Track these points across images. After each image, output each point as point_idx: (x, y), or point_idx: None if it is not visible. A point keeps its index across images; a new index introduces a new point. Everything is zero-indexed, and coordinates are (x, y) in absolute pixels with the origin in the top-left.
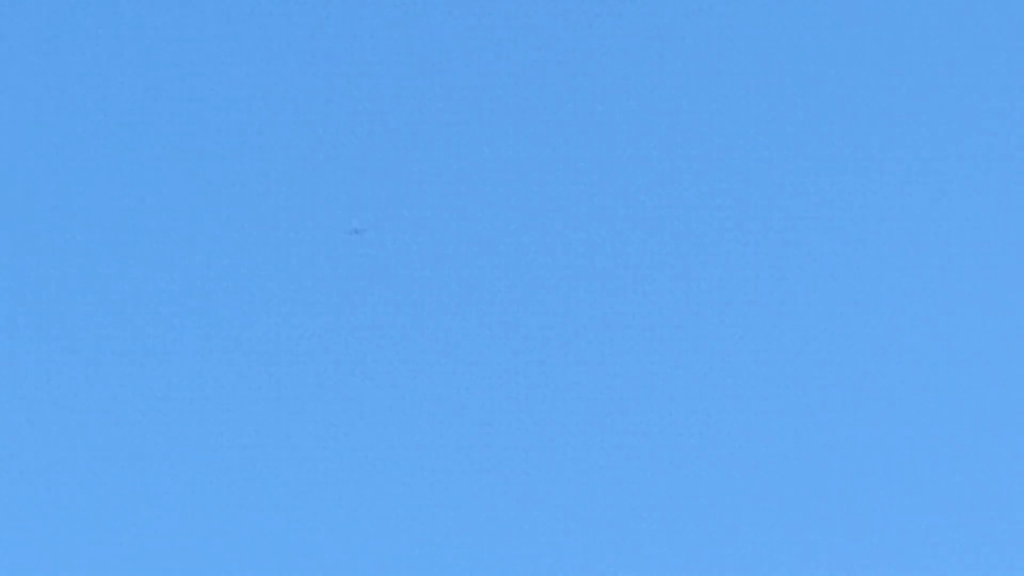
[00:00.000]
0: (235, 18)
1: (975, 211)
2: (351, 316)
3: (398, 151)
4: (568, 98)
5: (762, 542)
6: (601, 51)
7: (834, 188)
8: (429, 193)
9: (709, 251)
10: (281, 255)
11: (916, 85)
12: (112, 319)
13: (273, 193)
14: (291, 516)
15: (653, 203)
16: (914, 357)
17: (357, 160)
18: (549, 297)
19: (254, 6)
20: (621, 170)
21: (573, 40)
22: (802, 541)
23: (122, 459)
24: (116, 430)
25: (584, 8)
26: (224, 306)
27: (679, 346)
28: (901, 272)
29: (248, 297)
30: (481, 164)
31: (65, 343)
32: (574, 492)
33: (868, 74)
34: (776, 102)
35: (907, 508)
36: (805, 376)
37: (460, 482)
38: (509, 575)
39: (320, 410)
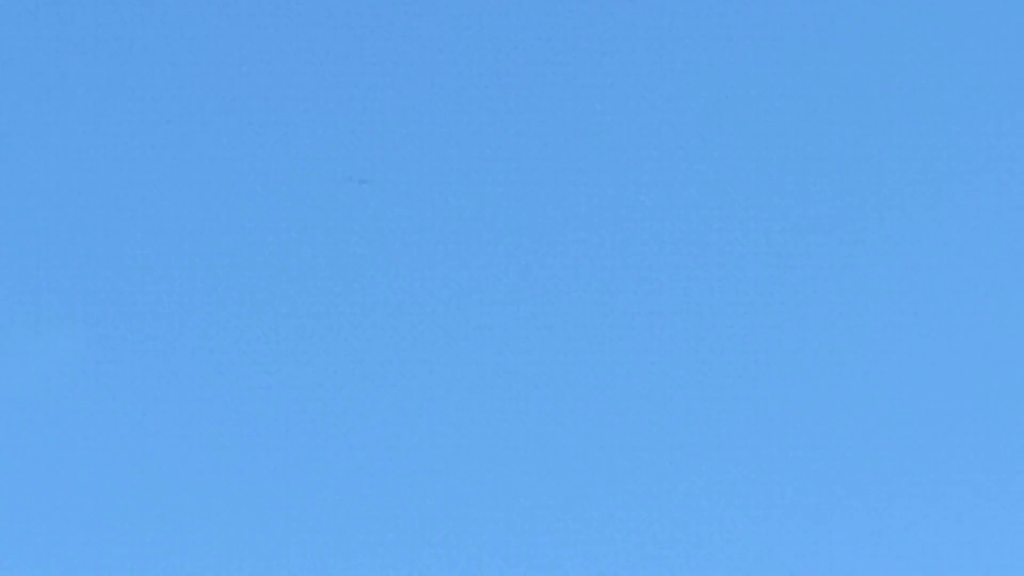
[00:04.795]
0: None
1: (975, 214)
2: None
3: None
4: (568, 99)
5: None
6: (601, 51)
7: (834, 189)
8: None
9: (709, 253)
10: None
11: (916, 86)
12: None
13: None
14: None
15: (653, 204)
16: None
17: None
18: (548, 297)
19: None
20: (621, 171)
21: (573, 40)
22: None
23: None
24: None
25: (584, 8)
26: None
27: (678, 347)
28: (900, 273)
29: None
30: (481, 165)
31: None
32: (573, 492)
33: (868, 74)
34: (776, 103)
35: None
36: (802, 376)
37: (459, 481)
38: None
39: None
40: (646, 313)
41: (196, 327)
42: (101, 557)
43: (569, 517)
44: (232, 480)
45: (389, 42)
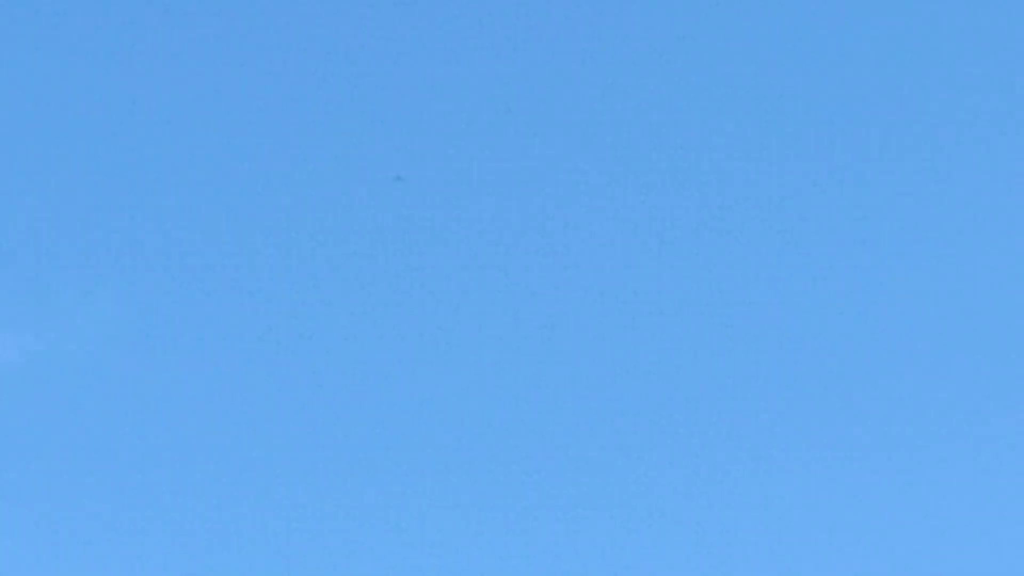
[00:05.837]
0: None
1: (975, 214)
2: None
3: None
4: (570, 99)
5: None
6: (602, 52)
7: (834, 191)
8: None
9: (709, 253)
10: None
11: (916, 86)
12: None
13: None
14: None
15: (653, 205)
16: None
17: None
18: (550, 297)
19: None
20: (623, 171)
21: (574, 40)
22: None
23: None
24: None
25: (585, 8)
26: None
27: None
28: (900, 273)
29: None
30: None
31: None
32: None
33: (868, 75)
34: (776, 104)
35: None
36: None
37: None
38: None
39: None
40: (646, 313)
41: (235, 294)
42: (138, 520)
43: (569, 517)
44: (270, 445)
45: (420, 43)
